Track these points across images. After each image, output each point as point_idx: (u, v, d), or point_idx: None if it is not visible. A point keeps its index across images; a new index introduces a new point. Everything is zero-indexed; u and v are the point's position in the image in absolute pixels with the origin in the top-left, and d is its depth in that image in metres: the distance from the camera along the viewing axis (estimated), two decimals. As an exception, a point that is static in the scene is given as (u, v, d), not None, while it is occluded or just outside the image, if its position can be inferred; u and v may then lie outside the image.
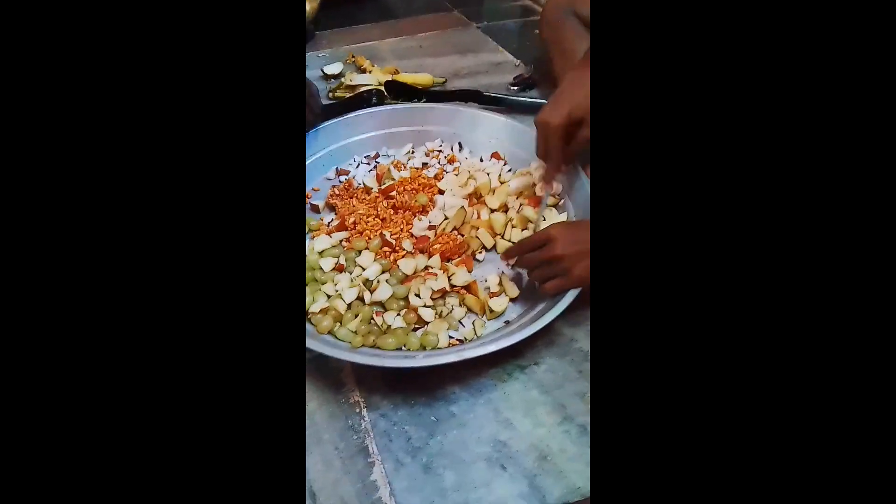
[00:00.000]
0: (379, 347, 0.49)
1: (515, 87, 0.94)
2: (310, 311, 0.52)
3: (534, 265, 0.52)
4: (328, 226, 0.64)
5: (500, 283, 0.57)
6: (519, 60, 1.06)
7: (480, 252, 0.61)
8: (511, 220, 0.63)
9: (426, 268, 0.57)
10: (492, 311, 0.54)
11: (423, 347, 0.51)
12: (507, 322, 0.54)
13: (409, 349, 0.50)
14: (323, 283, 0.54)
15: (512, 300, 0.56)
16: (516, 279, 0.57)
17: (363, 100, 0.83)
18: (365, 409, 0.48)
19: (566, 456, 0.44)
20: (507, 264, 0.58)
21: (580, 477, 0.43)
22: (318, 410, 0.48)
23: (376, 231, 0.61)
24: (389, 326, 0.51)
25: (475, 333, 0.52)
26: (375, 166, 0.73)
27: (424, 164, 0.73)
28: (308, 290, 0.54)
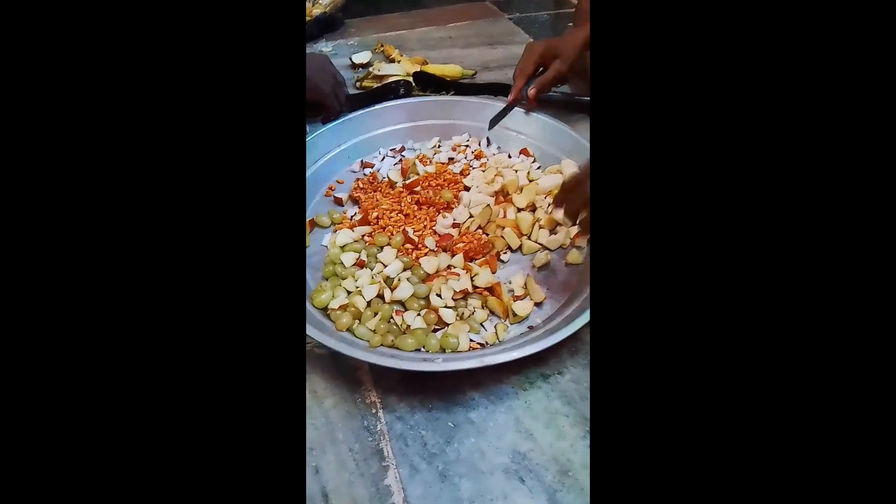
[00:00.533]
0: (397, 347, 0.48)
1: (547, 82, 0.91)
2: (329, 306, 0.51)
3: (575, 207, 0.50)
4: (351, 219, 0.62)
5: (525, 286, 0.55)
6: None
7: (505, 252, 0.59)
8: (539, 220, 0.61)
9: (448, 267, 0.55)
10: (515, 314, 0.52)
11: (443, 349, 0.49)
12: (531, 327, 0.52)
13: (428, 351, 0.49)
14: (343, 279, 0.53)
15: (537, 304, 0.54)
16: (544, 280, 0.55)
17: (390, 90, 0.82)
18: (381, 411, 0.47)
19: (589, 472, 0.42)
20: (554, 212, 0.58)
21: (603, 495, 0.41)
22: (333, 409, 0.47)
23: (399, 227, 0.59)
24: (409, 326, 0.49)
25: (497, 338, 0.50)
26: (401, 160, 0.72)
27: (451, 159, 0.71)
28: (328, 284, 0.53)
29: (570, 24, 0.96)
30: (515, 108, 0.72)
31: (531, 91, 0.70)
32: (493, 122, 0.72)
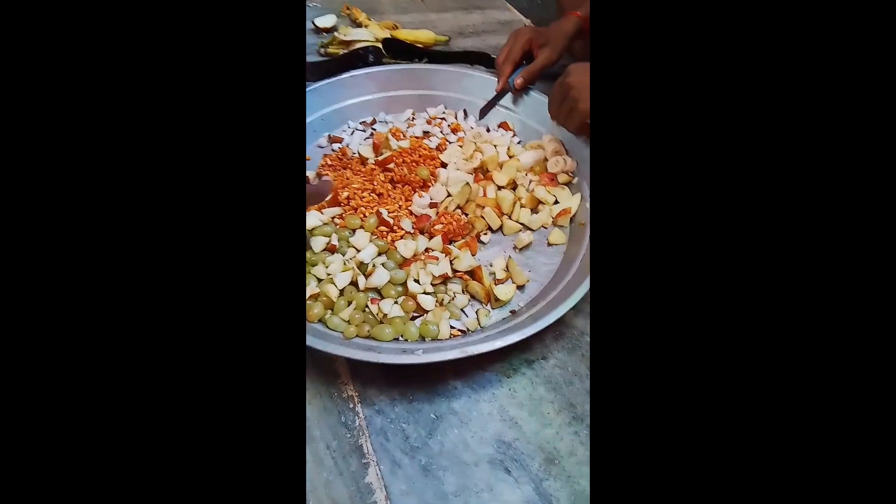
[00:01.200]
0: (374, 338, 0.45)
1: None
2: (299, 296, 0.47)
3: (563, 116, 0.57)
4: (320, 199, 0.58)
5: (507, 269, 0.52)
6: (529, 20, 0.98)
7: (486, 233, 0.56)
8: (520, 198, 0.58)
9: (426, 250, 0.52)
10: (497, 299, 0.49)
11: (423, 338, 0.47)
12: (514, 311, 0.50)
13: (407, 340, 0.46)
14: (313, 265, 0.50)
15: (519, 287, 0.52)
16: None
17: (359, 58, 0.76)
18: (360, 405, 0.44)
19: (575, 460, 0.42)
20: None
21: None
22: (308, 404, 0.44)
23: (372, 208, 0.55)
24: (386, 315, 0.46)
25: (479, 324, 0.48)
26: (372, 134, 0.67)
27: (426, 133, 0.67)
28: (297, 271, 0.49)
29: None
30: (503, 96, 0.68)
31: (518, 81, 0.66)
32: (483, 111, 0.69)
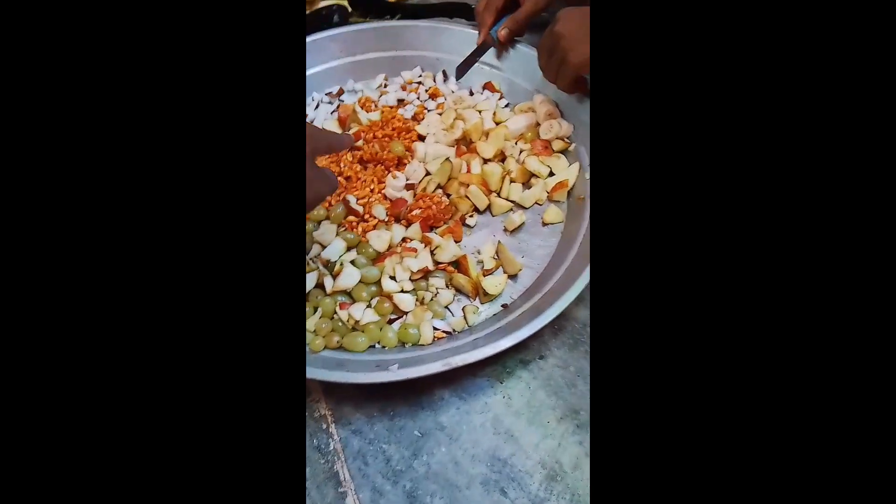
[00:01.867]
0: (346, 349, 0.40)
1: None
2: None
3: (553, 70, 0.50)
4: (282, 187, 0.51)
5: (497, 256, 0.46)
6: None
7: (471, 215, 0.49)
8: (509, 172, 0.51)
9: (403, 240, 0.46)
10: (487, 293, 0.43)
11: (402, 343, 0.41)
12: (506, 306, 0.44)
13: (385, 347, 0.41)
14: (275, 266, 0.43)
15: (511, 277, 0.45)
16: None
17: (321, 18, 0.67)
18: (334, 425, 0.39)
19: (580, 474, 0.37)
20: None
21: (598, 502, 0.35)
22: (276, 426, 0.39)
23: (339, 195, 0.48)
24: (358, 322, 0.41)
25: (466, 323, 0.42)
26: (339, 106, 0.59)
27: (401, 101, 0.59)
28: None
29: None
30: (486, 51, 0.59)
31: (502, 32, 0.56)
32: (461, 69, 0.60)
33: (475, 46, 0.59)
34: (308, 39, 0.60)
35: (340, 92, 0.61)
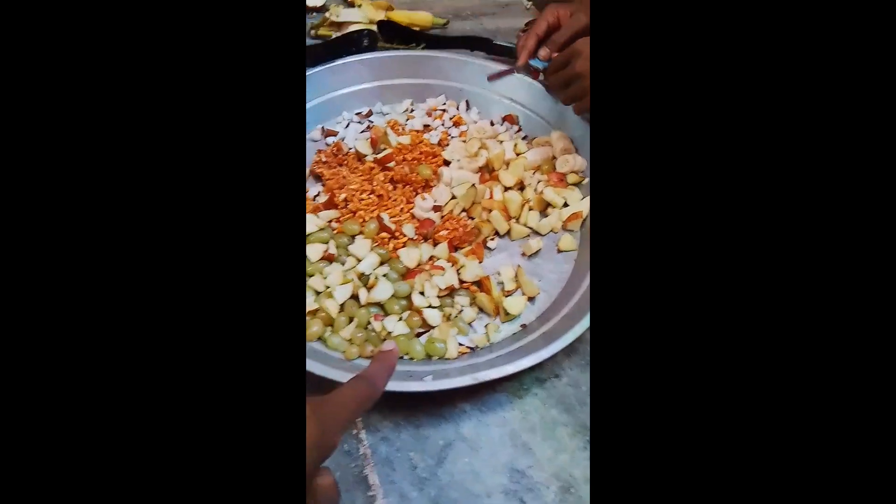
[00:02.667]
0: (378, 359, 0.42)
1: (528, 35, 0.82)
2: (294, 312, 0.43)
3: (560, 84, 0.54)
4: (314, 200, 0.54)
5: (516, 278, 0.49)
6: (530, 3, 0.92)
7: (492, 238, 0.53)
8: (528, 200, 0.55)
9: (431, 259, 0.49)
10: (507, 313, 0.46)
11: (429, 356, 0.43)
12: (524, 325, 0.47)
13: (413, 359, 0.43)
14: (310, 276, 0.46)
15: (530, 299, 0.48)
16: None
17: (353, 42, 0.70)
18: (363, 431, 0.41)
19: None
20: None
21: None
22: (306, 430, 0.41)
23: (372, 211, 0.51)
24: (389, 333, 0.43)
25: (488, 340, 0.45)
26: (368, 126, 0.62)
27: (426, 126, 0.63)
28: (291, 283, 0.45)
29: None
30: (520, 73, 0.62)
31: (542, 53, 0.58)
32: (493, 77, 0.63)
33: (514, 66, 0.62)
34: (339, 62, 0.64)
35: (369, 113, 0.64)
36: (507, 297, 0.47)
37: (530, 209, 0.55)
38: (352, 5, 0.81)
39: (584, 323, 0.42)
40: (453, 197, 0.54)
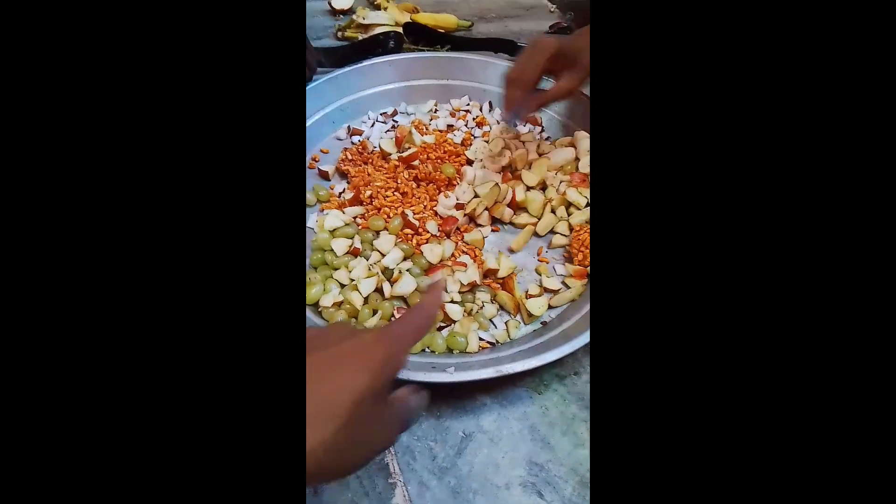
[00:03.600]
0: (401, 351, 0.43)
1: (552, 37, 0.83)
2: (321, 303, 0.45)
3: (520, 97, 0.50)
4: (340, 197, 0.55)
5: (539, 273, 0.50)
6: (554, 5, 0.93)
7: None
8: (550, 200, 0.55)
9: (452, 255, 0.50)
10: (530, 314, 0.47)
11: (450, 350, 0.44)
12: (545, 323, 0.47)
13: (434, 352, 0.44)
14: (335, 269, 0.47)
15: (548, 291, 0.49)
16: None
17: (378, 43, 0.72)
18: (384, 421, 0.42)
19: (610, 484, 0.40)
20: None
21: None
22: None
23: (396, 208, 0.52)
24: (413, 326, 0.44)
25: (508, 336, 0.46)
26: (393, 126, 0.63)
27: (449, 126, 0.64)
28: (318, 276, 0.47)
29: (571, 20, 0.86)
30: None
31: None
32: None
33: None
34: (366, 63, 0.65)
35: (394, 113, 0.65)
36: (530, 299, 0.48)
37: (553, 211, 0.55)
38: (378, 8, 0.83)
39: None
40: (476, 195, 0.55)
